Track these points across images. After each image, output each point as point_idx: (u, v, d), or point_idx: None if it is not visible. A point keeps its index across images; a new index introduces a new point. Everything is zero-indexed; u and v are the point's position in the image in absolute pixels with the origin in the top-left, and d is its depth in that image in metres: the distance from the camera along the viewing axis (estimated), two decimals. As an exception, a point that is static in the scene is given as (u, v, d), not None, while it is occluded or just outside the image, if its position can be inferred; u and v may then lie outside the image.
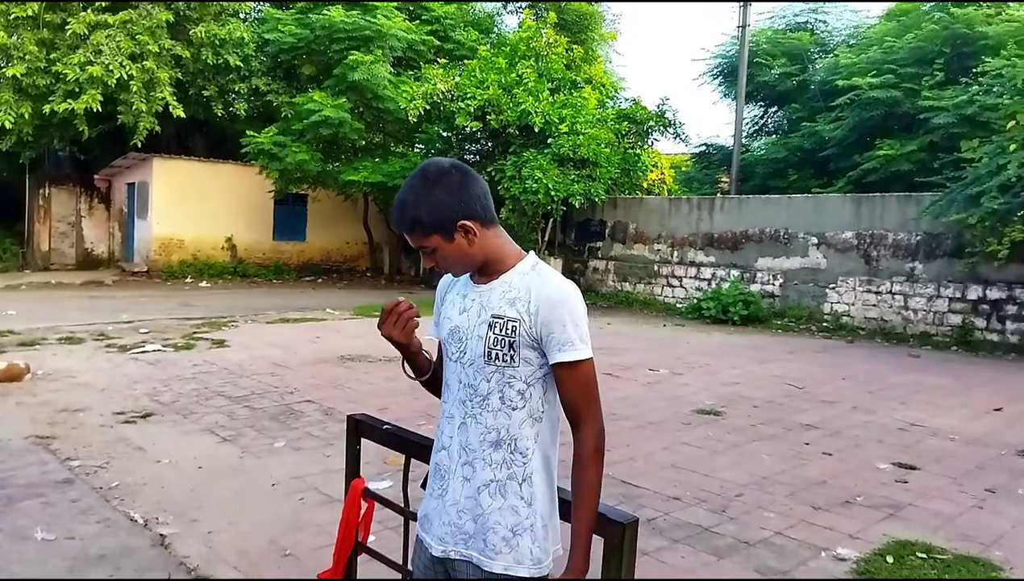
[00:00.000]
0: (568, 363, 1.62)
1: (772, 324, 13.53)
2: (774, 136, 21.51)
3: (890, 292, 12.84)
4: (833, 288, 13.55)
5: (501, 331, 1.64)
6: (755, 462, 5.36)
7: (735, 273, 14.88)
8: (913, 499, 4.70)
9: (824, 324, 13.33)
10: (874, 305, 13.02)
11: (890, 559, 3.76)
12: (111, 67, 15.78)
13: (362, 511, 2.35)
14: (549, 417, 1.70)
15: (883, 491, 4.83)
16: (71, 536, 3.71)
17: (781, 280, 14.28)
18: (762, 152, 20.56)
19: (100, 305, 13.02)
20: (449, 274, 1.85)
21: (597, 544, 1.68)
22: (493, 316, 1.66)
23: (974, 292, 11.90)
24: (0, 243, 21.99)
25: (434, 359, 1.91)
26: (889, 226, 12.90)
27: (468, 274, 1.79)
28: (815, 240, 13.81)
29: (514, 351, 1.63)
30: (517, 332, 1.63)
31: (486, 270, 1.73)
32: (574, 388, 1.65)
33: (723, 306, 13.79)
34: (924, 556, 3.81)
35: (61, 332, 9.81)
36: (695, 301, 14.80)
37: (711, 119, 59.01)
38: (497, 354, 1.64)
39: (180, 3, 16.54)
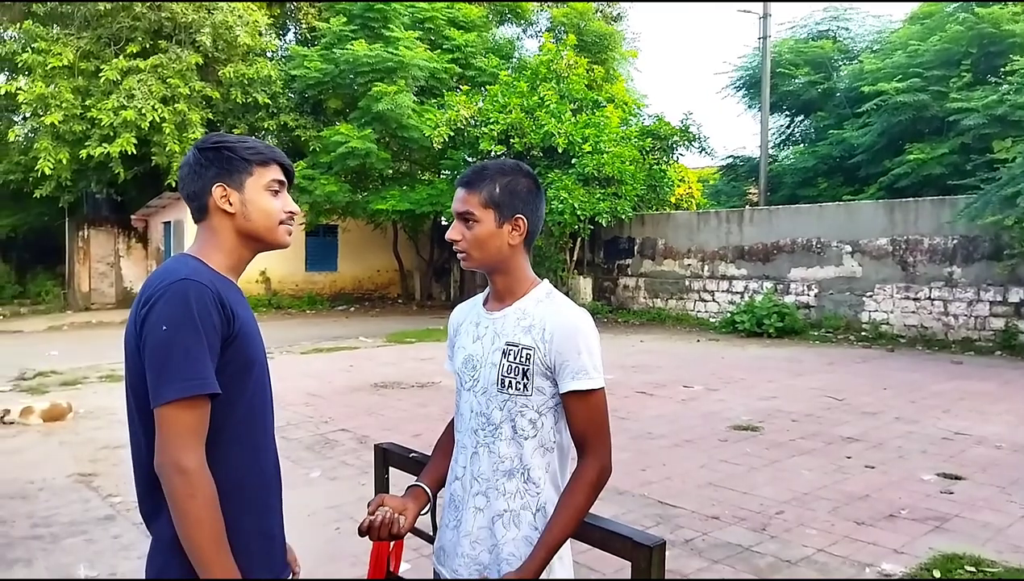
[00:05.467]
0: (581, 392, 1.59)
1: (809, 335, 13.32)
2: (802, 145, 21.31)
3: (929, 298, 12.58)
4: (870, 296, 13.32)
5: (515, 359, 1.63)
6: (795, 478, 5.27)
7: (768, 285, 14.71)
8: (960, 510, 4.57)
9: (863, 333, 13.09)
10: (913, 312, 12.77)
11: (937, 573, 3.66)
12: (144, 110, 16.23)
13: (393, 541, 2.35)
14: (560, 447, 1.67)
15: (928, 503, 4.71)
16: (113, 573, 3.77)
17: (816, 290, 14.07)
18: (790, 161, 20.37)
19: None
20: (459, 306, 1.87)
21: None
22: (507, 343, 1.65)
23: (1015, 295, 11.61)
24: (42, 285, 22.64)
25: (438, 469, 1.83)
26: (924, 231, 12.68)
27: (481, 301, 1.80)
28: (849, 248, 13.62)
29: (528, 379, 1.62)
30: (532, 360, 1.61)
31: (501, 290, 1.72)
32: (584, 418, 1.61)
33: (757, 319, 13.62)
34: (973, 569, 3.69)
35: (102, 370, 10.02)
36: (728, 315, 14.64)
37: (737, 131, 58.75)
38: (511, 382, 1.63)
39: (208, 45, 16.98)
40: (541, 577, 1.59)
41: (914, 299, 12.77)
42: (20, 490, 5.06)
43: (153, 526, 1.54)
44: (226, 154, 1.60)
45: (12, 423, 6.87)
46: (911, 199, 13.38)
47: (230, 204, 1.60)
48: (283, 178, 1.66)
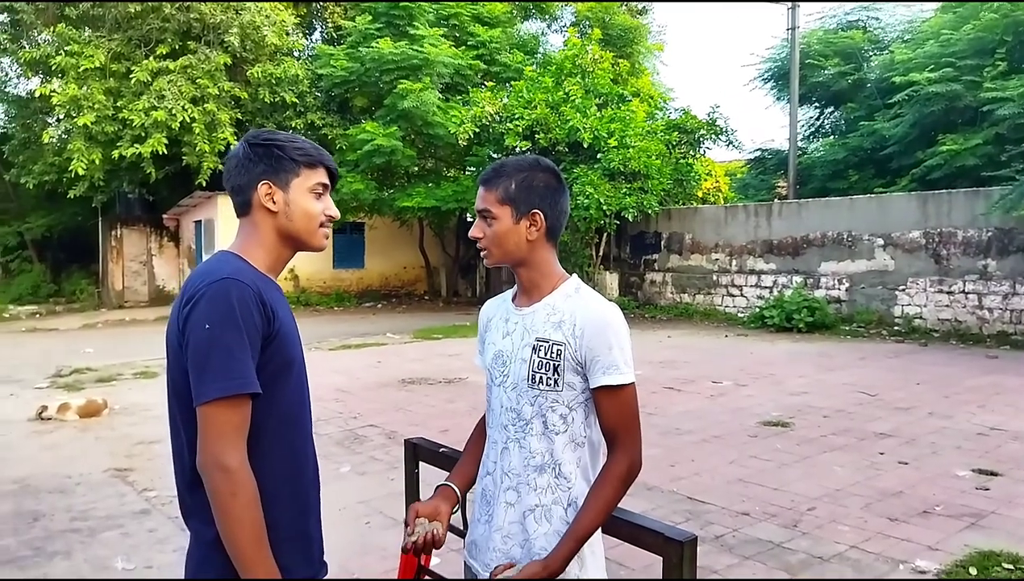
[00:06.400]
0: (611, 387, 1.59)
1: (840, 330, 13.15)
2: (832, 137, 21.01)
3: (963, 291, 12.36)
4: (903, 290, 13.11)
5: (546, 355, 1.63)
6: (827, 474, 5.21)
7: (798, 279, 14.54)
8: (996, 507, 4.49)
9: (895, 328, 12.89)
10: (947, 306, 12.55)
11: (973, 570, 3.60)
12: (174, 111, 16.46)
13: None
14: (591, 441, 1.67)
15: (963, 499, 4.64)
16: (149, 565, 3.84)
17: (847, 284, 13.89)
18: (820, 154, 20.10)
19: (172, 340, 13.47)
20: (489, 302, 1.89)
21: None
22: (537, 339, 1.65)
23: (1054, 287, 11.36)
24: (77, 284, 23.10)
25: (467, 468, 1.85)
26: (958, 223, 12.45)
27: (510, 297, 1.80)
28: (881, 241, 13.41)
29: (558, 375, 1.62)
30: (562, 356, 1.62)
31: (528, 286, 1.73)
32: (615, 413, 1.61)
33: (787, 314, 13.48)
34: (1011, 567, 3.63)
35: (136, 367, 10.20)
36: (757, 310, 14.51)
37: (765, 124, 58.20)
38: (541, 378, 1.63)
39: (236, 45, 17.17)
40: (574, 570, 1.60)
41: (948, 293, 12.55)
42: (58, 484, 5.17)
43: (192, 523, 1.55)
44: (276, 153, 1.62)
45: (49, 419, 7.02)
46: (944, 191, 13.14)
47: (273, 202, 1.62)
48: (327, 182, 1.68)
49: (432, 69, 17.26)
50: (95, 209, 22.07)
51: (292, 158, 1.62)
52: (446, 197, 17.40)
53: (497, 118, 16.30)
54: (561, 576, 1.58)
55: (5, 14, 18.51)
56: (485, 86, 17.68)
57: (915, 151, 15.74)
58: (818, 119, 22.13)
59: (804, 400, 7.63)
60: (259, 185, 1.61)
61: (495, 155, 17.64)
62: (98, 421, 7.07)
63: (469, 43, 19.03)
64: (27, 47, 18.26)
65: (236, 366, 1.43)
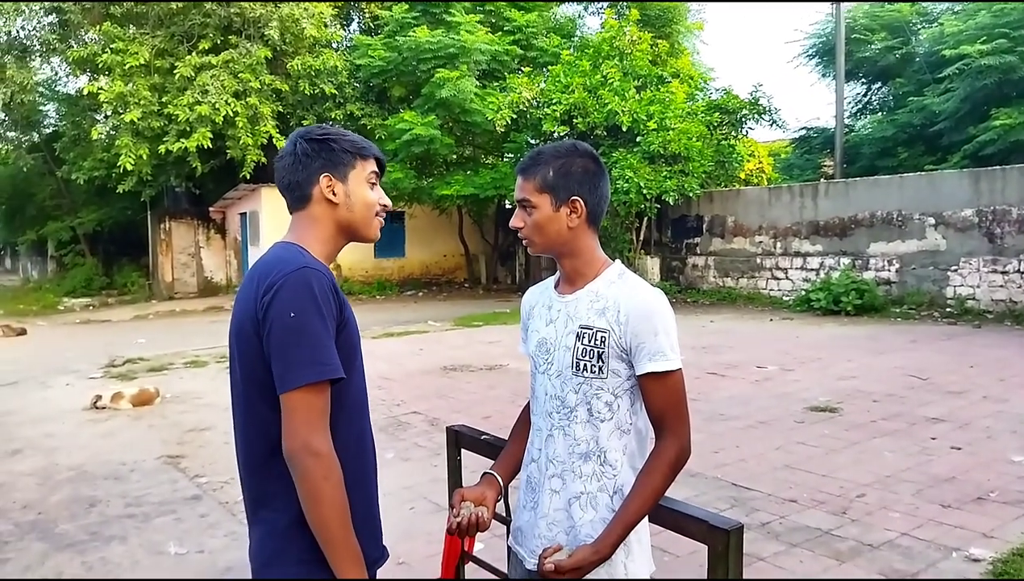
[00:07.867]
0: (658, 373, 1.57)
1: (890, 313, 12.83)
2: (880, 114, 20.47)
3: (1018, 271, 11.95)
4: (955, 270, 12.74)
5: (590, 342, 1.61)
6: (877, 460, 5.10)
7: (845, 261, 14.23)
8: (1056, 494, 4.35)
9: (947, 309, 12.54)
10: (1001, 286, 12.16)
11: (1032, 559, 3.49)
12: (217, 105, 16.72)
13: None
14: (637, 428, 1.66)
15: (1019, 485, 4.50)
16: (201, 550, 3.94)
17: (897, 265, 13.54)
18: (868, 131, 19.60)
19: (221, 329, 13.75)
20: (531, 289, 1.88)
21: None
22: (581, 326, 1.64)
23: (1116, 265, 10.93)
24: (128, 276, 23.73)
25: (511, 457, 1.86)
26: (1012, 200, 12.03)
27: (552, 284, 1.79)
28: (932, 220, 13.03)
29: (603, 362, 1.60)
30: (607, 343, 1.60)
31: (571, 274, 1.71)
32: (662, 399, 1.59)
33: (834, 296, 13.19)
34: (1072, 555, 3.51)
35: (187, 356, 10.44)
36: (803, 293, 14.24)
37: (810, 102, 56.89)
38: (585, 365, 1.61)
39: (276, 39, 17.36)
40: (620, 558, 1.58)
41: (1002, 272, 12.16)
42: (113, 471, 5.33)
43: (264, 512, 1.57)
44: (333, 146, 1.66)
45: (104, 408, 7.24)
46: (998, 167, 12.70)
47: (334, 194, 1.65)
48: (378, 171, 1.72)
49: (469, 56, 17.22)
50: (144, 203, 22.58)
51: (346, 150, 1.66)
52: (484, 184, 17.40)
53: (534, 103, 16.21)
54: (607, 568, 1.57)
55: (54, 15, 18.97)
56: (522, 71, 17.60)
57: (967, 126, 15.26)
58: (865, 95, 21.58)
59: (852, 385, 7.48)
60: (320, 178, 1.65)
61: (533, 141, 17.56)
62: (150, 409, 7.27)
63: (505, 28, 18.93)
64: (75, 46, 18.71)
65: (322, 352, 1.47)
